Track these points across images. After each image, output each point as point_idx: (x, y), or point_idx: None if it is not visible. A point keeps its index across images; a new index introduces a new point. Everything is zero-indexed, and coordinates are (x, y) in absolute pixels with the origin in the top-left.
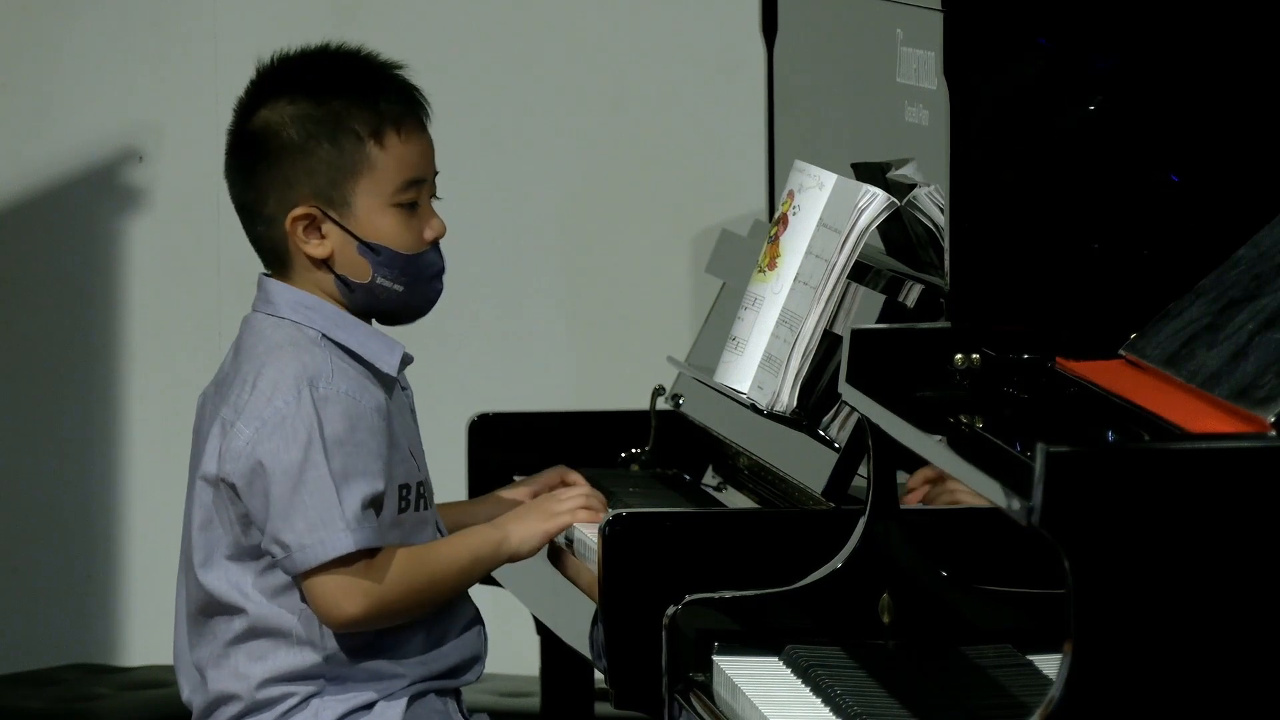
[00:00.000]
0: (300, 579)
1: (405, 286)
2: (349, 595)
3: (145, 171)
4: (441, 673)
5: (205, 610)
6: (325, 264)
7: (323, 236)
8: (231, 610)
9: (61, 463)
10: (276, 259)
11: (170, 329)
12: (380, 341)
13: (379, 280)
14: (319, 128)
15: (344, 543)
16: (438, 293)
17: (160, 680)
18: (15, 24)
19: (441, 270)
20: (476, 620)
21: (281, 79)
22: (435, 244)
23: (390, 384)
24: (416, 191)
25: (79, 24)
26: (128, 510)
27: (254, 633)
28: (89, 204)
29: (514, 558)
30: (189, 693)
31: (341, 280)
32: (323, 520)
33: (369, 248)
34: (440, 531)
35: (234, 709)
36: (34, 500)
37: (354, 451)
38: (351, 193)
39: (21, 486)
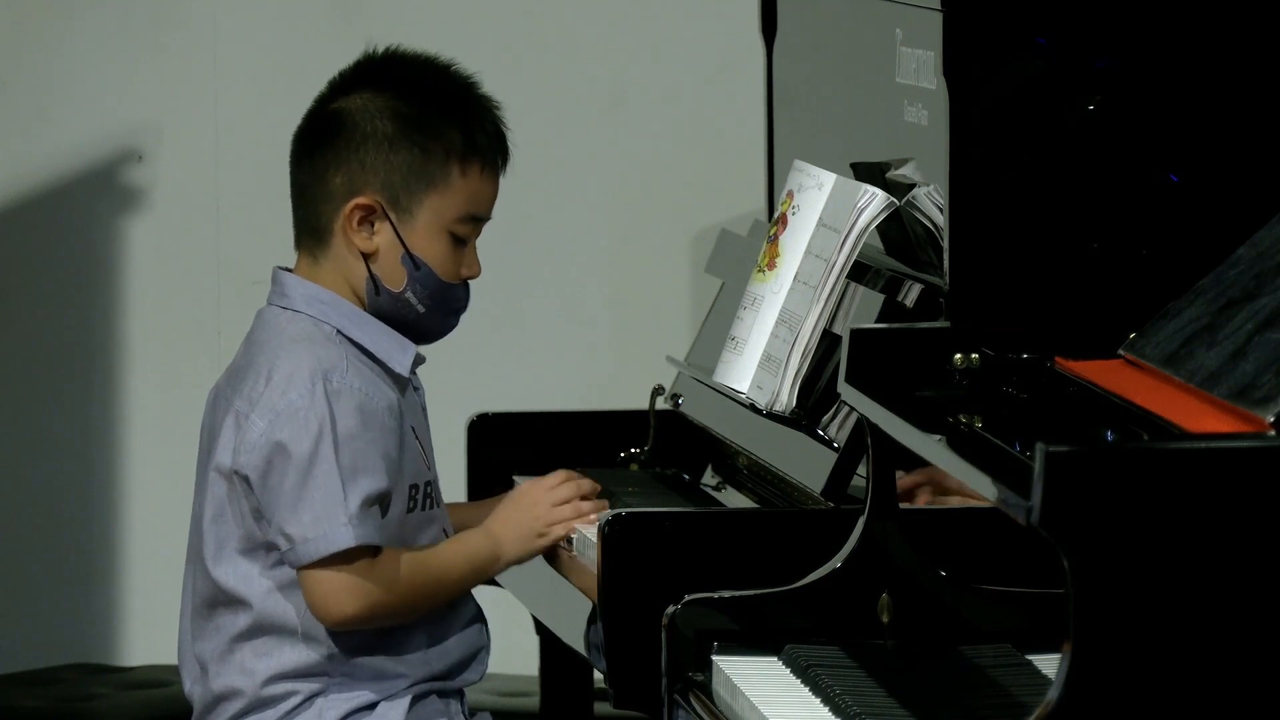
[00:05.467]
0: (300, 573)
1: (427, 310)
2: (348, 593)
3: (145, 171)
4: (443, 672)
5: (211, 604)
6: (364, 259)
7: (374, 232)
8: (238, 605)
9: (61, 462)
10: (316, 237)
11: (170, 328)
12: (393, 341)
13: (408, 294)
14: (415, 131)
15: (345, 537)
16: (450, 328)
17: (160, 680)
18: (15, 24)
19: (463, 309)
20: (478, 617)
21: (389, 74)
22: (466, 283)
23: (403, 384)
24: (472, 228)
25: (79, 24)
26: (127, 510)
27: (259, 629)
28: (89, 204)
29: (511, 565)
30: (190, 685)
31: (373, 280)
32: (327, 514)
33: (412, 260)
34: (446, 531)
35: (237, 705)
36: (33, 500)
37: (363, 448)
38: (418, 203)
39: (21, 486)
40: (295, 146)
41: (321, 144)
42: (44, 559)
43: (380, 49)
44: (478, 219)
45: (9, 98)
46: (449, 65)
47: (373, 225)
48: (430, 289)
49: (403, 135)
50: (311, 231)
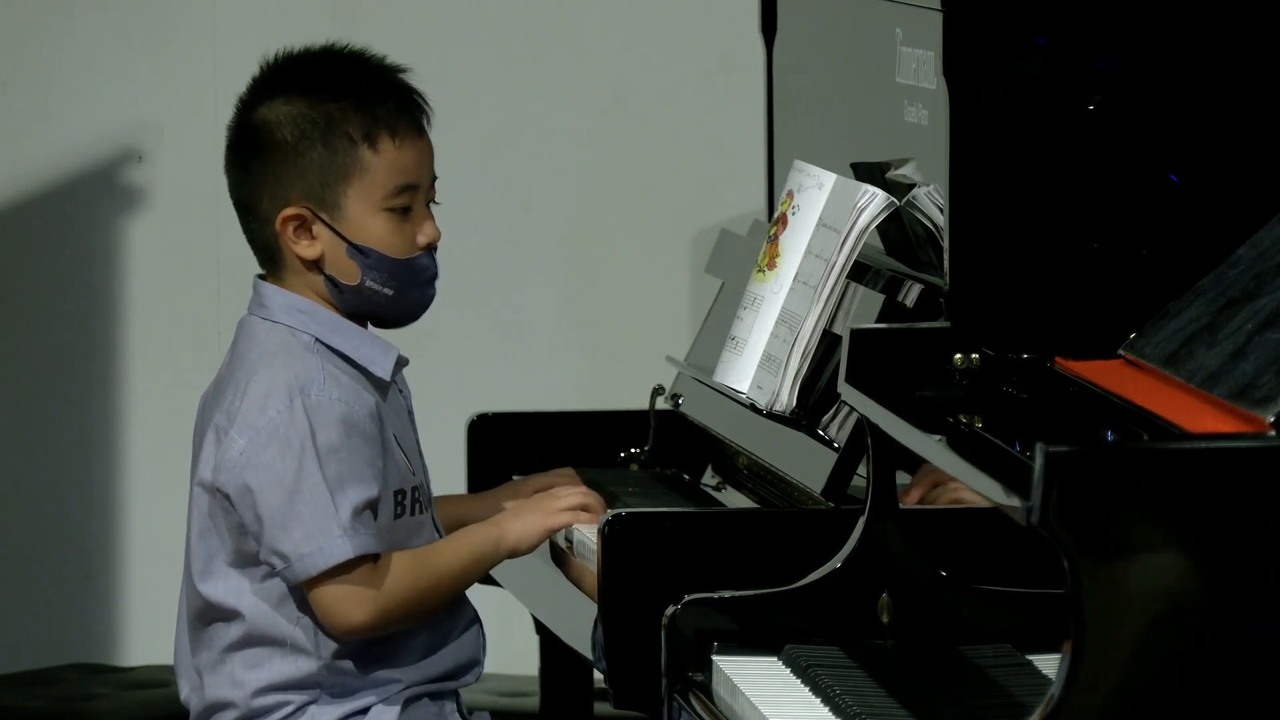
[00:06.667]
0: (305, 589)
1: (395, 290)
2: (356, 603)
3: (145, 171)
4: (438, 676)
5: (202, 617)
6: (315, 265)
7: (313, 237)
8: (229, 617)
9: (61, 463)
10: (270, 258)
11: (170, 328)
12: (374, 345)
13: (368, 283)
14: (313, 129)
15: (342, 549)
16: (429, 299)
17: (160, 680)
18: (15, 24)
19: (433, 276)
20: (475, 621)
21: (282, 78)
22: (429, 250)
23: (385, 388)
24: (410, 196)
25: (79, 24)
26: (128, 510)
27: (251, 640)
28: (89, 204)
29: (513, 554)
30: (187, 693)
31: (331, 281)
32: (320, 529)
33: (358, 250)
34: (438, 531)
35: (229, 716)
36: (34, 500)
37: (348, 458)
38: (343, 195)
39: (21, 486)
40: (225, 169)
41: (241, 166)
42: (44, 559)
43: (275, 55)
44: (410, 187)
45: (9, 98)
46: (330, 48)
47: (310, 231)
48: (387, 271)
49: (304, 138)
50: (264, 253)
